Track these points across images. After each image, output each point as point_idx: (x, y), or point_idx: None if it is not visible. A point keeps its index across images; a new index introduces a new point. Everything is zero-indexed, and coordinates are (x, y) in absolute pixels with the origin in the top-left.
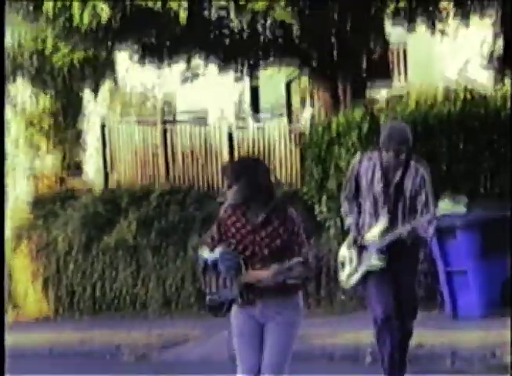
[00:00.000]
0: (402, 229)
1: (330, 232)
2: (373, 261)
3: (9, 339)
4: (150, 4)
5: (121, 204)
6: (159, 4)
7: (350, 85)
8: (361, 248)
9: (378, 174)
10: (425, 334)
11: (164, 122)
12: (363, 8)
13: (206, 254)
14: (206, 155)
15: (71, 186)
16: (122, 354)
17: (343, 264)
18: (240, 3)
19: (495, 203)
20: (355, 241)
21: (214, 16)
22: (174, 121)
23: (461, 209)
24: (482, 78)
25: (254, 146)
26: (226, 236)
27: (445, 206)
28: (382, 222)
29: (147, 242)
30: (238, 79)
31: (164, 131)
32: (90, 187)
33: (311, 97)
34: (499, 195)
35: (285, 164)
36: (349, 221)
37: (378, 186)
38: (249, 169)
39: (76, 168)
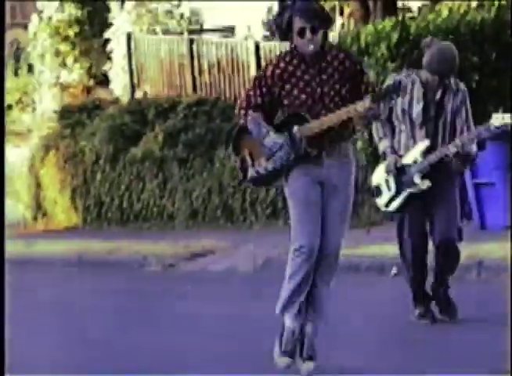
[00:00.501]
0: (448, 147)
1: (358, 144)
2: (417, 182)
3: (37, 248)
4: None
5: (148, 116)
6: None
7: None
8: (400, 171)
9: (419, 93)
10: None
11: (191, 32)
12: None
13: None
14: (233, 66)
15: (98, 96)
16: (149, 264)
17: (379, 189)
18: None
19: None
20: (392, 164)
21: None
22: (200, 31)
23: None
24: None
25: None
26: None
27: (500, 118)
28: (423, 143)
29: (174, 154)
30: None
31: (191, 42)
32: (117, 98)
33: (341, 6)
34: None
35: None
36: (384, 144)
37: (419, 106)
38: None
39: (103, 78)
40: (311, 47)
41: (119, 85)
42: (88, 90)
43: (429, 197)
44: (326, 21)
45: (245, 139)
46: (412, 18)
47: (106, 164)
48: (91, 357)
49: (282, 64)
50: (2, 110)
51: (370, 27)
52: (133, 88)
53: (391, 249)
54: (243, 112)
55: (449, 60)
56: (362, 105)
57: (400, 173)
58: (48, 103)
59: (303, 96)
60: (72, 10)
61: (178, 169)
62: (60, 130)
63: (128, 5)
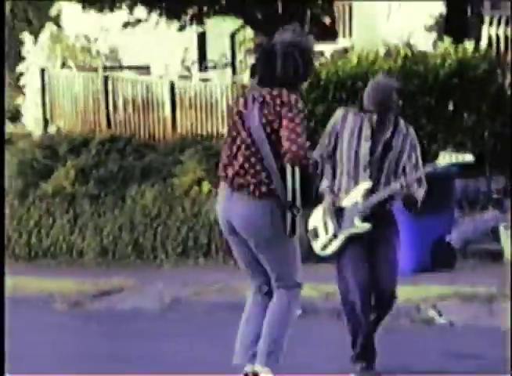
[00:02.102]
0: (392, 186)
1: None
2: (357, 224)
3: None
4: None
5: (60, 151)
6: None
7: None
8: (338, 213)
9: (367, 131)
10: None
11: (106, 68)
12: None
13: None
14: (148, 104)
15: (9, 131)
16: (55, 301)
17: (316, 232)
18: None
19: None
20: (331, 206)
21: None
22: (116, 68)
23: (467, 158)
24: (423, 38)
25: (196, 97)
26: None
27: (447, 157)
28: (365, 184)
29: (85, 190)
30: (182, 28)
31: (106, 79)
32: (29, 132)
33: (255, 50)
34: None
35: (227, 115)
36: (324, 184)
37: (366, 145)
38: None
39: (14, 114)
40: None
41: (31, 120)
42: None
43: (369, 242)
44: None
45: None
46: (322, 64)
47: (14, 200)
48: None
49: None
50: (2, 110)
51: None
52: (46, 122)
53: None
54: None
55: (382, 96)
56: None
57: (339, 215)
58: None
59: None
60: None
61: (89, 206)
62: None
63: (43, 39)
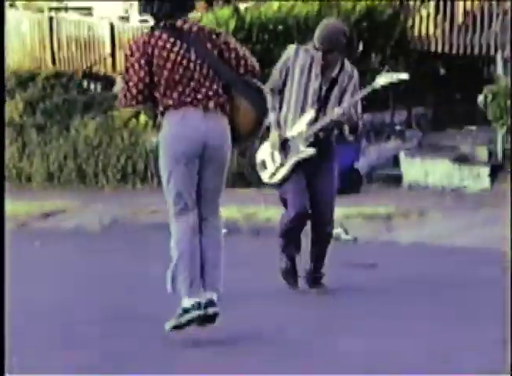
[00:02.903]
0: (335, 112)
1: None
2: (302, 149)
3: None
4: None
5: (8, 86)
6: None
7: None
8: (284, 144)
9: (317, 69)
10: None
11: (51, 9)
12: None
13: None
14: (89, 43)
15: None
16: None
17: (264, 163)
18: None
19: None
20: (277, 139)
21: None
22: (61, 9)
23: (402, 75)
24: None
25: (134, 37)
26: None
27: (383, 78)
28: (309, 113)
29: (33, 121)
30: None
31: (51, 19)
32: None
33: None
34: None
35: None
36: (271, 117)
37: (316, 82)
38: None
39: None
40: None
41: None
42: None
43: (311, 170)
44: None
45: None
46: (247, 9)
47: None
48: None
49: None
50: (2, 109)
51: (211, 15)
52: None
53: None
54: None
55: (330, 37)
56: None
57: (285, 145)
58: None
59: None
60: None
61: (36, 135)
62: None
63: None
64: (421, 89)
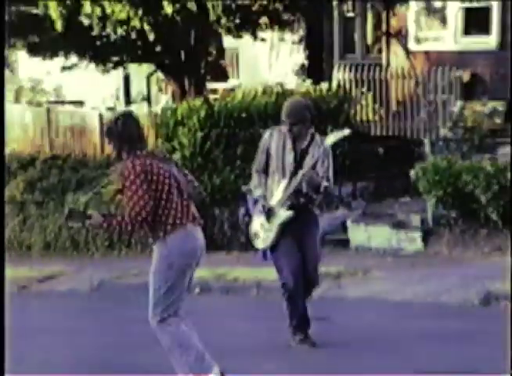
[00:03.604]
0: (298, 175)
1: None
2: (282, 213)
3: None
4: (34, 11)
5: (11, 168)
6: (41, 10)
7: (193, 81)
8: (269, 212)
9: (289, 144)
10: (239, 271)
11: (50, 103)
12: (203, 23)
13: None
14: (81, 131)
15: None
16: (5, 285)
17: (256, 234)
18: (106, 13)
19: None
20: (263, 207)
21: (85, 22)
22: (58, 103)
23: (345, 132)
24: (292, 80)
25: None
26: None
27: (332, 137)
28: (283, 183)
29: (32, 198)
30: (105, 71)
31: (49, 111)
32: None
33: (165, 88)
34: None
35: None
36: (258, 192)
37: (290, 155)
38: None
39: None
40: None
41: None
42: None
43: (297, 235)
44: None
45: None
46: (216, 99)
47: None
48: None
49: None
50: (2, 109)
51: (185, 104)
52: (2, 146)
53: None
54: None
55: (292, 111)
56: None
57: (270, 213)
58: None
59: None
60: None
61: (35, 210)
62: None
63: None
64: (364, 166)
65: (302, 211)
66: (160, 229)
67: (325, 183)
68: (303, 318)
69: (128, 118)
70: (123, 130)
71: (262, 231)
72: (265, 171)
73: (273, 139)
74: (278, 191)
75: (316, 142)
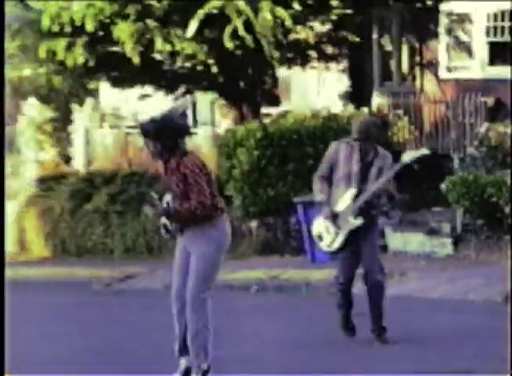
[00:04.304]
0: (372, 187)
1: (235, 203)
2: (352, 220)
3: (20, 273)
4: (115, 49)
5: (96, 183)
6: (119, 49)
7: (250, 107)
8: (335, 217)
9: (357, 156)
10: (290, 272)
11: (128, 127)
12: (259, 57)
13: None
14: None
15: (63, 171)
16: (93, 283)
17: (320, 236)
18: (176, 49)
19: None
20: (329, 213)
21: (158, 58)
22: (135, 127)
23: (424, 151)
24: (337, 104)
25: (187, 146)
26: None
27: (409, 155)
28: (351, 190)
29: (114, 209)
30: (176, 99)
31: (127, 134)
32: (76, 171)
33: (227, 113)
34: None
35: (208, 158)
36: (321, 197)
37: (356, 166)
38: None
39: (67, 158)
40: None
41: (78, 162)
42: (56, 165)
43: (360, 236)
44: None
45: None
46: (270, 122)
47: (68, 216)
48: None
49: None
50: (2, 114)
51: (243, 127)
52: (88, 164)
53: (253, 273)
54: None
55: (363, 129)
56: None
57: (335, 218)
58: (30, 173)
59: (165, 186)
60: (48, 113)
61: (117, 219)
62: (37, 192)
63: (86, 108)
64: (400, 179)
65: (368, 220)
66: (211, 214)
67: (398, 195)
68: (345, 320)
69: (178, 119)
70: (176, 129)
71: (327, 234)
72: (329, 178)
73: (341, 150)
74: (344, 198)
75: (380, 156)
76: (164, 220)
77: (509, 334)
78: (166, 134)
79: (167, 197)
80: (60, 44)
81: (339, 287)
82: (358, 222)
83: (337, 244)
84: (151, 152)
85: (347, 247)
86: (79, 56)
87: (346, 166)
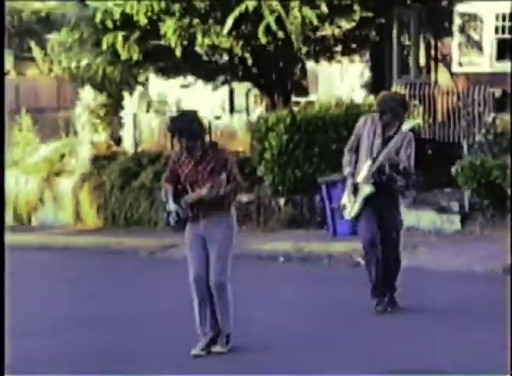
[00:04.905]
0: (380, 157)
1: (265, 182)
2: (365, 189)
3: (77, 241)
4: (162, 42)
5: (143, 162)
6: (164, 42)
7: (281, 96)
8: (355, 187)
9: (379, 130)
10: (314, 245)
11: (171, 112)
12: (290, 51)
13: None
14: None
15: (114, 151)
16: (140, 252)
17: (344, 206)
18: (215, 43)
19: None
20: (351, 184)
21: (198, 51)
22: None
23: (416, 121)
24: (358, 94)
25: (224, 131)
26: (176, 172)
27: (409, 123)
28: (367, 162)
29: (158, 185)
30: (215, 88)
31: (170, 119)
32: (125, 151)
33: (260, 102)
34: None
35: (243, 142)
36: (348, 170)
37: (378, 139)
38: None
39: (118, 140)
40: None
41: (127, 144)
42: (108, 146)
43: (378, 206)
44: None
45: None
46: (298, 110)
47: (117, 191)
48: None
49: (178, 158)
50: (2, 112)
51: (274, 114)
52: (136, 145)
53: (281, 246)
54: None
55: (382, 101)
56: (200, 192)
57: (356, 189)
58: (84, 153)
59: (188, 178)
60: (102, 99)
61: (160, 195)
62: (91, 170)
63: (134, 95)
64: (415, 163)
65: (384, 189)
66: (230, 203)
67: (403, 163)
68: (377, 275)
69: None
70: (202, 123)
71: (349, 203)
72: (356, 151)
73: (367, 125)
74: (363, 170)
75: (401, 133)
76: (174, 208)
77: (509, 302)
78: (197, 129)
79: (189, 194)
80: (118, 38)
81: (363, 250)
82: (367, 189)
83: (353, 212)
84: (186, 147)
85: (364, 214)
86: (133, 49)
87: (369, 139)
